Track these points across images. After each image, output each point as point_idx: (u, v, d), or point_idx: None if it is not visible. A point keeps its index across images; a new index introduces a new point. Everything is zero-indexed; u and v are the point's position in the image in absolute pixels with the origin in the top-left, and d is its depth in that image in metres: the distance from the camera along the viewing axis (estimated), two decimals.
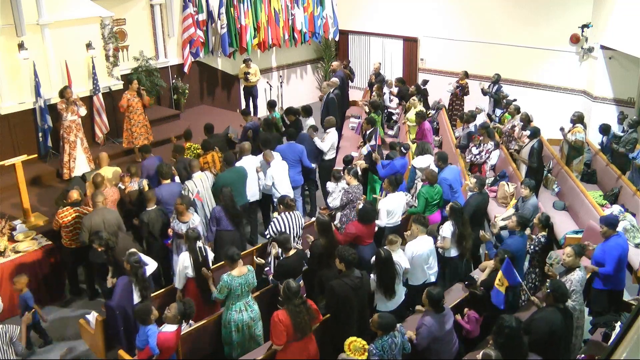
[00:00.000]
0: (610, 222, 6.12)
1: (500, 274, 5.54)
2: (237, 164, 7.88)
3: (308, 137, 8.90)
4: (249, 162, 8.01)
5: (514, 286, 5.58)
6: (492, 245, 7.13)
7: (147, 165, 7.99)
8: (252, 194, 8.07)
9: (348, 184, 7.39)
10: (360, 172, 7.77)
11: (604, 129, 9.91)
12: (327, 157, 9.12)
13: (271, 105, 10.06)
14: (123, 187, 7.64)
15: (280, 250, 6.10)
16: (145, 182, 7.53)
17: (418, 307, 5.81)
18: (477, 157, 9.36)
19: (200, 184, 7.50)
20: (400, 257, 5.90)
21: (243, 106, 13.11)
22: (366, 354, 4.78)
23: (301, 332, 4.94)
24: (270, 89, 13.28)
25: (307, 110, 9.77)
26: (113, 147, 9.88)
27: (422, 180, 7.70)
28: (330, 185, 7.65)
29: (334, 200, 7.50)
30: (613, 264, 5.95)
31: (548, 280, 5.22)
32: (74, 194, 6.94)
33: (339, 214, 7.42)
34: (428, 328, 5.05)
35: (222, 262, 6.26)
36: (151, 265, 6.01)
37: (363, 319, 5.55)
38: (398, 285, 5.77)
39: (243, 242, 7.72)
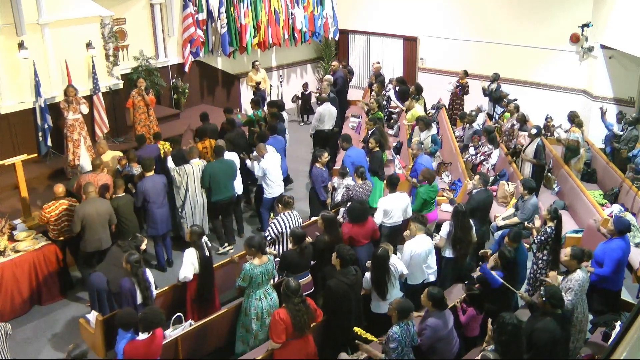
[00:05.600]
0: (621, 229, 6.07)
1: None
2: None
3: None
4: (231, 158, 8.23)
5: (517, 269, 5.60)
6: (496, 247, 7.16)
7: (142, 154, 8.19)
8: (237, 188, 8.29)
9: (354, 181, 7.47)
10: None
11: (620, 119, 9.90)
12: (325, 127, 10.22)
13: (256, 103, 10.31)
14: (121, 170, 7.91)
15: (280, 247, 6.08)
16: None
17: (415, 313, 5.80)
18: (473, 157, 9.41)
19: (197, 169, 7.78)
20: (397, 261, 5.89)
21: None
22: (375, 337, 4.88)
23: (300, 331, 4.96)
24: (271, 88, 13.30)
25: (256, 103, 10.33)
26: (113, 147, 9.85)
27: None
28: (336, 181, 7.79)
29: (337, 196, 7.64)
30: (612, 266, 5.93)
31: (542, 287, 5.21)
32: (59, 188, 7.02)
33: (341, 210, 7.51)
34: (433, 329, 5.06)
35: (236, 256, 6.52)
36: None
37: (359, 313, 5.62)
38: (393, 289, 5.74)
39: None
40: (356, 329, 4.95)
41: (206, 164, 7.90)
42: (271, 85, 13.35)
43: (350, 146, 8.46)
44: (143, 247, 6.36)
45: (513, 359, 4.58)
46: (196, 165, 7.80)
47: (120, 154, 8.33)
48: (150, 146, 8.47)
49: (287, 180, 9.65)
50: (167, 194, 7.67)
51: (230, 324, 5.93)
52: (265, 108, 10.60)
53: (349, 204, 6.88)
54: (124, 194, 7.21)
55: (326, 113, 10.22)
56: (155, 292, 5.85)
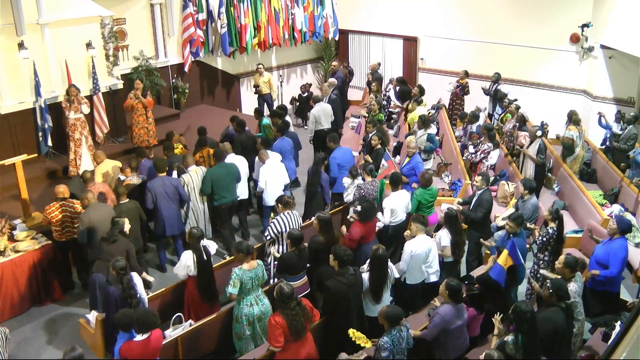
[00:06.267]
0: (624, 228, 6.06)
1: (505, 253, 5.63)
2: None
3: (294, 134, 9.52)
4: (236, 162, 8.13)
5: (517, 266, 5.65)
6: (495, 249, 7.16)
7: (142, 166, 8.16)
8: (241, 192, 8.23)
9: (363, 179, 7.53)
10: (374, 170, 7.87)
11: (619, 118, 9.90)
12: (324, 126, 10.25)
13: (259, 113, 10.27)
14: (123, 178, 7.81)
15: (280, 247, 6.09)
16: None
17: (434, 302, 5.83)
18: (473, 155, 9.40)
19: (196, 176, 7.71)
20: (391, 265, 5.88)
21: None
22: (369, 342, 4.87)
23: (297, 335, 4.95)
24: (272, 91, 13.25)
25: (258, 112, 10.24)
26: (113, 147, 9.88)
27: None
28: (346, 181, 7.81)
29: (348, 195, 7.67)
30: (619, 266, 5.92)
31: (548, 280, 5.23)
32: (60, 188, 6.96)
33: (351, 209, 7.52)
34: (442, 317, 5.09)
35: (232, 258, 6.40)
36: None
37: (360, 313, 5.60)
38: (386, 292, 5.75)
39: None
40: (351, 331, 4.93)
41: (207, 170, 7.80)
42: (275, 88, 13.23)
43: (337, 146, 8.51)
44: (126, 228, 6.28)
45: (535, 347, 4.65)
46: (194, 172, 7.72)
47: (119, 164, 8.21)
48: (148, 160, 8.33)
49: (295, 182, 9.59)
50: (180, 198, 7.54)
51: (229, 324, 5.91)
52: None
53: (357, 202, 6.93)
54: (127, 200, 7.10)
55: (320, 113, 10.24)
56: (146, 296, 5.79)
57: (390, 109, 12.13)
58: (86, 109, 8.94)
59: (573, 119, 9.55)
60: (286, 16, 13.71)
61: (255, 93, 12.29)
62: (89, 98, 9.34)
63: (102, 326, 5.73)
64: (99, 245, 6.33)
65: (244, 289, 5.54)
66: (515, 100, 11.02)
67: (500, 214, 8.13)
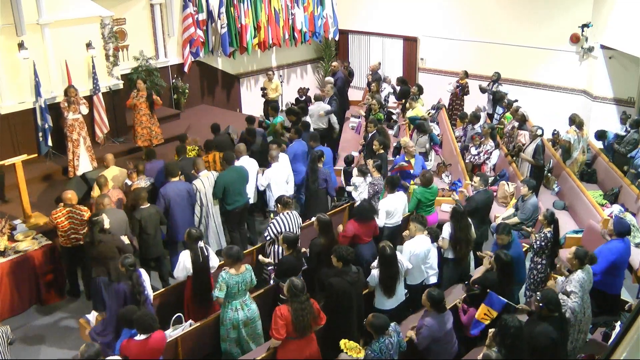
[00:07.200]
0: (621, 230, 6.04)
1: (482, 307, 5.41)
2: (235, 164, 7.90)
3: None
4: (247, 164, 8.03)
5: (502, 308, 5.40)
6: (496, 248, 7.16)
7: (150, 168, 8.07)
8: (250, 195, 8.13)
9: (372, 176, 7.59)
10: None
11: (600, 135, 9.92)
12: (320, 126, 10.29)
13: (274, 109, 10.20)
14: (130, 183, 7.73)
15: (282, 248, 6.13)
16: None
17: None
18: (476, 157, 9.37)
19: (207, 181, 7.56)
20: (401, 257, 5.91)
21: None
22: (362, 352, 4.82)
23: (301, 331, 4.94)
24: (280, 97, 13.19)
25: (275, 109, 10.24)
26: (113, 147, 9.88)
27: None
28: (357, 180, 7.82)
29: (361, 194, 7.68)
30: (603, 265, 5.91)
31: (538, 292, 5.19)
32: (68, 194, 6.83)
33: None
34: (429, 329, 5.07)
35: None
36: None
37: (360, 313, 5.60)
38: (399, 285, 5.78)
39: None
40: (342, 342, 4.86)
41: (219, 175, 7.66)
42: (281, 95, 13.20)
43: (317, 145, 8.58)
44: (106, 226, 6.18)
45: None
46: (205, 177, 7.55)
47: (125, 170, 8.10)
48: (158, 161, 8.22)
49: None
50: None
51: None
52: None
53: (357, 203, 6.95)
54: (148, 204, 6.93)
55: (313, 113, 10.29)
56: (151, 293, 5.79)
57: (389, 109, 12.13)
58: (85, 110, 8.92)
59: (577, 121, 9.50)
60: (286, 16, 13.71)
61: (262, 97, 12.28)
62: (89, 98, 9.34)
63: None
64: (86, 251, 6.26)
65: (230, 292, 5.47)
66: (516, 100, 11.02)
67: (500, 214, 8.13)
